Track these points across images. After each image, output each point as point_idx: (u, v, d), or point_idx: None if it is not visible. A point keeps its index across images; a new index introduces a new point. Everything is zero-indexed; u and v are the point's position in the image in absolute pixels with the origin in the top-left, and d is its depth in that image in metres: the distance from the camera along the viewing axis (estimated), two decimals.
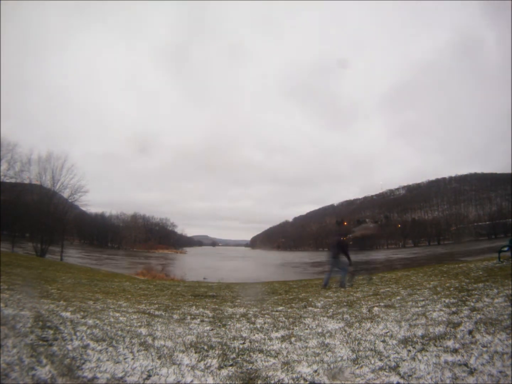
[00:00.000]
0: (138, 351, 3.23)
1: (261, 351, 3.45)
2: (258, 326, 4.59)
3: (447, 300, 5.10)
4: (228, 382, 2.67)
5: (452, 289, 6.10)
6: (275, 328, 4.42)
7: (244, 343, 3.77)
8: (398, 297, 6.04)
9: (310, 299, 6.84)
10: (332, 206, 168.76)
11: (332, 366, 2.96)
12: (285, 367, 2.95)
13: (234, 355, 3.30)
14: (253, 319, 5.04)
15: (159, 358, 3.08)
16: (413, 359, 2.93)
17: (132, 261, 43.51)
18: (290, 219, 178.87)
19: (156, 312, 5.42)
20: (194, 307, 6.17)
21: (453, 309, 4.49)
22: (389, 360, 2.97)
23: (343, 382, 2.63)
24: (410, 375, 2.62)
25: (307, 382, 2.65)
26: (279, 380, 2.69)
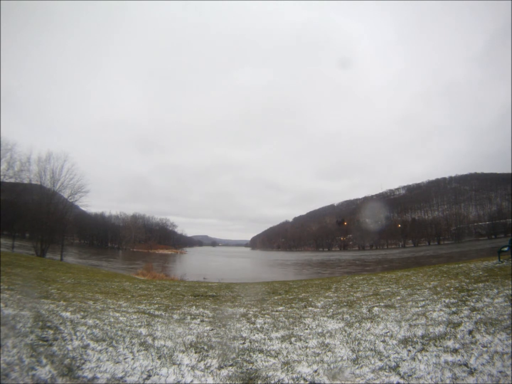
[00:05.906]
0: (138, 351, 3.24)
1: (261, 351, 3.46)
2: (258, 326, 4.59)
3: (447, 300, 5.09)
4: (228, 382, 2.67)
5: (452, 289, 6.09)
6: (275, 328, 4.42)
7: (244, 343, 3.77)
8: (398, 297, 6.04)
9: (310, 299, 6.84)
10: (332, 206, 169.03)
11: (332, 366, 2.96)
12: (285, 367, 2.95)
13: (234, 355, 3.30)
14: (253, 319, 5.04)
15: (159, 358, 3.09)
16: (413, 359, 2.93)
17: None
18: (290, 219, 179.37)
19: (156, 312, 5.42)
20: (194, 307, 6.17)
21: (453, 309, 4.49)
22: (389, 360, 2.97)
23: (343, 382, 2.63)
24: (410, 375, 2.62)
25: (307, 382, 2.65)
26: (279, 380, 2.69)
